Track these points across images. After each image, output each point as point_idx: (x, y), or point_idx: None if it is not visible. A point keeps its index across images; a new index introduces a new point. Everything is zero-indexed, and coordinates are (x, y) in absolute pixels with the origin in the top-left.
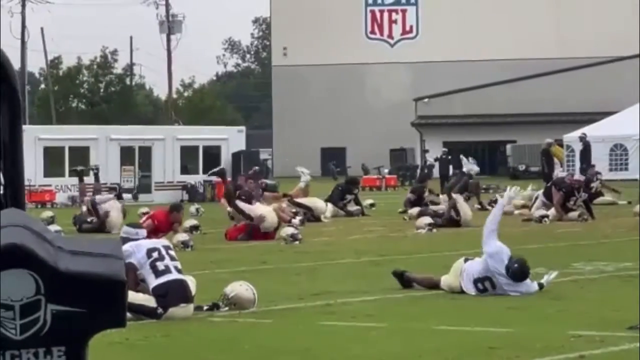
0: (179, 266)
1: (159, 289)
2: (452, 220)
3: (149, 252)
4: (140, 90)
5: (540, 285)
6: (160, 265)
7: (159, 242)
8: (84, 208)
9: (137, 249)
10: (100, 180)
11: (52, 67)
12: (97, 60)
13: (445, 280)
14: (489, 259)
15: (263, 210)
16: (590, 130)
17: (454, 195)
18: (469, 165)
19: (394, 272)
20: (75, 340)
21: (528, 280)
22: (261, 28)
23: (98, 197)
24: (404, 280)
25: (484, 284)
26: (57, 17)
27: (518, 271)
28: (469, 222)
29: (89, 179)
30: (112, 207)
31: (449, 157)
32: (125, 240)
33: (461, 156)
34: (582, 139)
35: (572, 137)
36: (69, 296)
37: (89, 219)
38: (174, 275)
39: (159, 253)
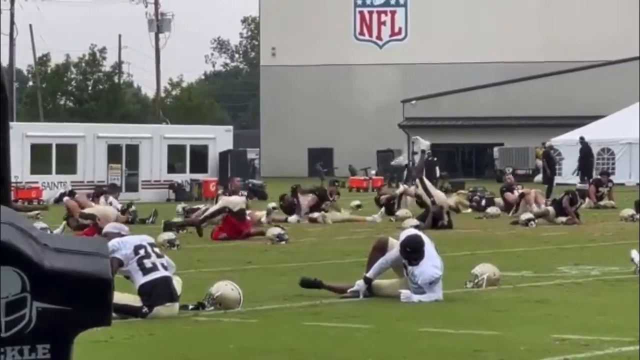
0: (165, 263)
1: (145, 287)
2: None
3: (136, 249)
4: (128, 88)
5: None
6: (147, 263)
7: (145, 240)
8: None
9: (124, 245)
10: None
11: (40, 64)
12: (85, 58)
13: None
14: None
15: None
16: (577, 134)
17: (417, 181)
18: (421, 143)
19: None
20: (60, 338)
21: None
22: (250, 28)
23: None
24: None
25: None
26: (45, 14)
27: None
28: (442, 201)
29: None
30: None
31: (435, 158)
32: (109, 234)
33: (417, 137)
34: (582, 141)
35: (560, 140)
36: (54, 294)
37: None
38: (161, 273)
39: (145, 250)
